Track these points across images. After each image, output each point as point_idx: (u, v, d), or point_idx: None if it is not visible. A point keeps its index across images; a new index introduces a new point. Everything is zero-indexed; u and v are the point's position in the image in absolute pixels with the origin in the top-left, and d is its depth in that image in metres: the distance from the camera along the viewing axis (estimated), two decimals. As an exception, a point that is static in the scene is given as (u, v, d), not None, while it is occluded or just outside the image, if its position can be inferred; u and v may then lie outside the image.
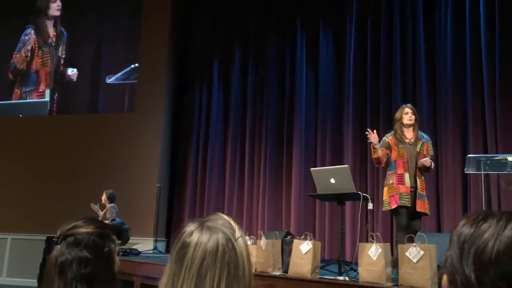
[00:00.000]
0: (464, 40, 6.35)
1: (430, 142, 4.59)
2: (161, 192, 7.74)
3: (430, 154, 4.50)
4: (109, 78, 8.82)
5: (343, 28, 7.26)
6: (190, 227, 1.08)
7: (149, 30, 8.63)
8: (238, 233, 1.08)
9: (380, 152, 4.48)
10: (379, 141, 4.56)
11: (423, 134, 4.61)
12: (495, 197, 5.48)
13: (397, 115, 4.62)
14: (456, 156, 6.10)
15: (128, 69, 8.70)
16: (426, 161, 4.35)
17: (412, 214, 4.36)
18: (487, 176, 4.48)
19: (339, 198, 4.35)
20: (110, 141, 8.43)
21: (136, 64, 8.68)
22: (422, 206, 4.33)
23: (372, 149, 4.54)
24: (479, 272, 0.78)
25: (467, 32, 6.33)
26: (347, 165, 4.69)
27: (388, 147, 4.52)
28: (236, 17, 8.31)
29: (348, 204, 6.19)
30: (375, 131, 4.59)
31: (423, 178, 4.43)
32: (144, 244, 7.36)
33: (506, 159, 4.26)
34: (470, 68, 6.24)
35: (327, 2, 7.49)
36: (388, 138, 4.58)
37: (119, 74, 8.76)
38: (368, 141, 4.63)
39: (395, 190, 4.37)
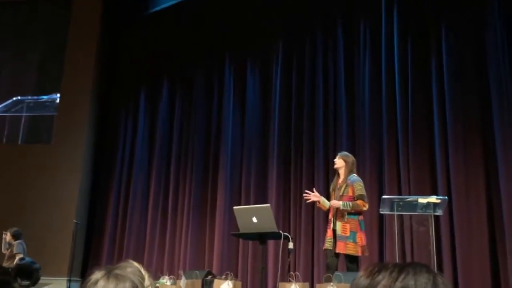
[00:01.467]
0: (380, 82, 6.62)
1: (358, 182, 4.64)
2: (78, 229, 7.35)
3: (356, 194, 4.57)
4: None
5: (270, 66, 7.45)
6: (96, 275, 1.04)
7: (74, 60, 8.39)
8: (147, 281, 1.05)
9: (328, 205, 4.68)
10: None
11: (353, 176, 4.69)
12: (408, 237, 5.75)
13: None
14: (374, 196, 6.35)
15: (8, 101, 8.49)
16: (334, 203, 4.54)
17: (345, 256, 4.50)
18: (400, 216, 4.71)
19: (261, 237, 4.38)
20: (22, 174, 7.94)
21: (19, 97, 8.49)
22: (342, 247, 4.44)
23: (319, 206, 4.75)
24: None
25: (383, 73, 6.61)
26: (268, 205, 4.75)
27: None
28: (164, 49, 8.30)
29: (271, 243, 6.21)
30: (314, 189, 4.81)
31: (346, 219, 4.51)
32: (56, 285, 6.89)
33: (417, 201, 4.50)
34: (386, 111, 6.54)
35: (254, 40, 7.68)
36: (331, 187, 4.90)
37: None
38: (308, 201, 4.82)
39: (326, 234, 4.67)
